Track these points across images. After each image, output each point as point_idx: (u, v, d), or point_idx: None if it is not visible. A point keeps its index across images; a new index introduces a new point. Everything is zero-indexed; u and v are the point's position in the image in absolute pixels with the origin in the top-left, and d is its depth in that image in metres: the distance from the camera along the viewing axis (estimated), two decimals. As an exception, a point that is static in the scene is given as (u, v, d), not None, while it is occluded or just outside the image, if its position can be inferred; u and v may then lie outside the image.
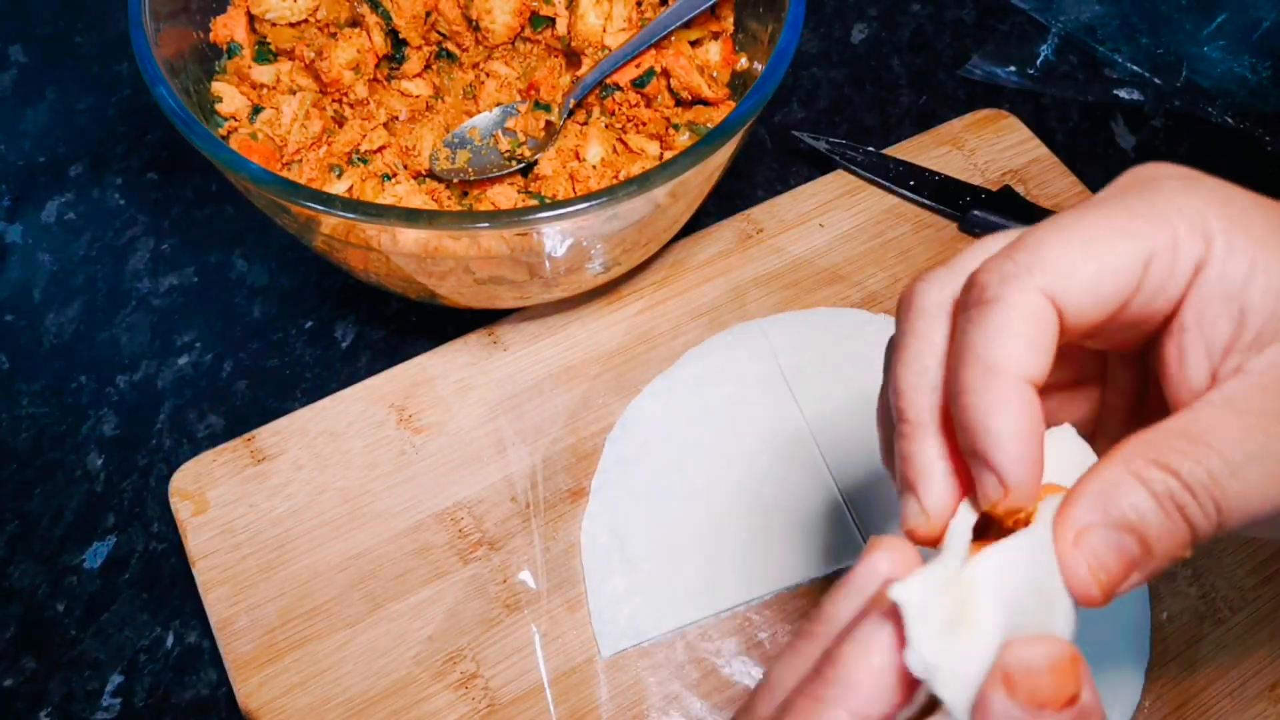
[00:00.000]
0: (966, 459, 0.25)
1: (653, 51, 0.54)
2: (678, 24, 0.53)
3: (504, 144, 0.54)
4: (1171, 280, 0.25)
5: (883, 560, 0.25)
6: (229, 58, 0.54)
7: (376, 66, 0.55)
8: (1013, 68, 0.68)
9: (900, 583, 0.23)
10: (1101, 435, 0.31)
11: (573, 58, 0.56)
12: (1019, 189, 0.60)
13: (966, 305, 0.25)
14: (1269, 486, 0.23)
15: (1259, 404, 0.24)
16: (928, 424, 0.26)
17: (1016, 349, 0.24)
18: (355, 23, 0.55)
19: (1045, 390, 0.25)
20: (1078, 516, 0.23)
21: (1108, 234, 0.25)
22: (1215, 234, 0.25)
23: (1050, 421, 0.26)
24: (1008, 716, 0.21)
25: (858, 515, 0.48)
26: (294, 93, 0.53)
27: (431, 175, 0.53)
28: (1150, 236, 0.25)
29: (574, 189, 0.52)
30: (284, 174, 0.51)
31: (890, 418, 0.28)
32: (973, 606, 0.23)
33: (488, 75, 0.56)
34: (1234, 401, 0.24)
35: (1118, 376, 0.31)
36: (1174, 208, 0.25)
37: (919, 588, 0.23)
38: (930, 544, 0.26)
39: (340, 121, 0.54)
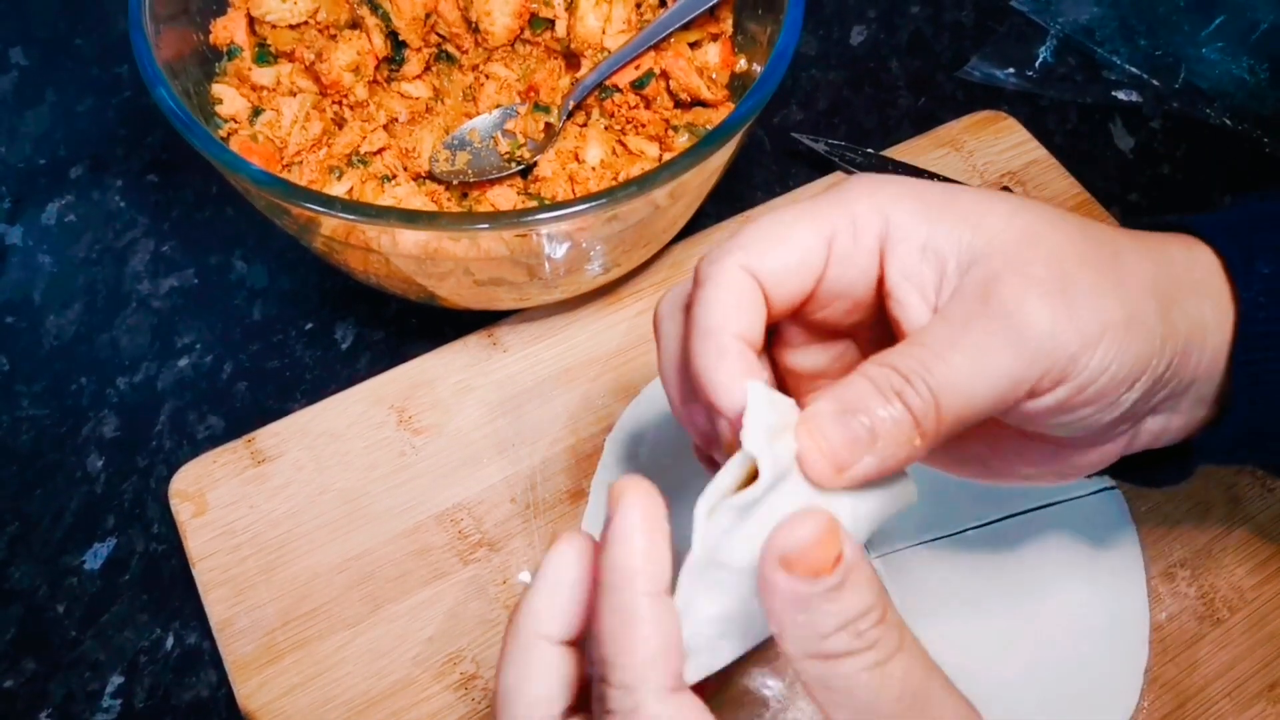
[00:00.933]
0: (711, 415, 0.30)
1: (652, 53, 0.54)
2: (677, 26, 0.53)
3: (503, 146, 0.54)
4: (858, 250, 0.30)
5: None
6: (229, 60, 0.54)
7: (376, 68, 0.55)
8: (1011, 69, 0.68)
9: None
10: None
11: (572, 60, 0.56)
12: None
13: (692, 293, 0.31)
14: (974, 365, 0.27)
15: (962, 310, 0.28)
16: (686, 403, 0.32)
17: (723, 312, 0.29)
18: (355, 25, 0.55)
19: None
20: (814, 410, 0.27)
21: (794, 220, 0.30)
22: (891, 211, 0.30)
23: None
24: (791, 590, 0.25)
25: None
26: (294, 95, 0.54)
27: (431, 177, 0.53)
28: (830, 219, 0.30)
29: (573, 190, 0.52)
30: (284, 176, 0.52)
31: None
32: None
33: (487, 77, 0.56)
34: (944, 313, 0.29)
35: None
36: (854, 197, 0.30)
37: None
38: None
39: (340, 123, 0.54)
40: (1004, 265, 0.28)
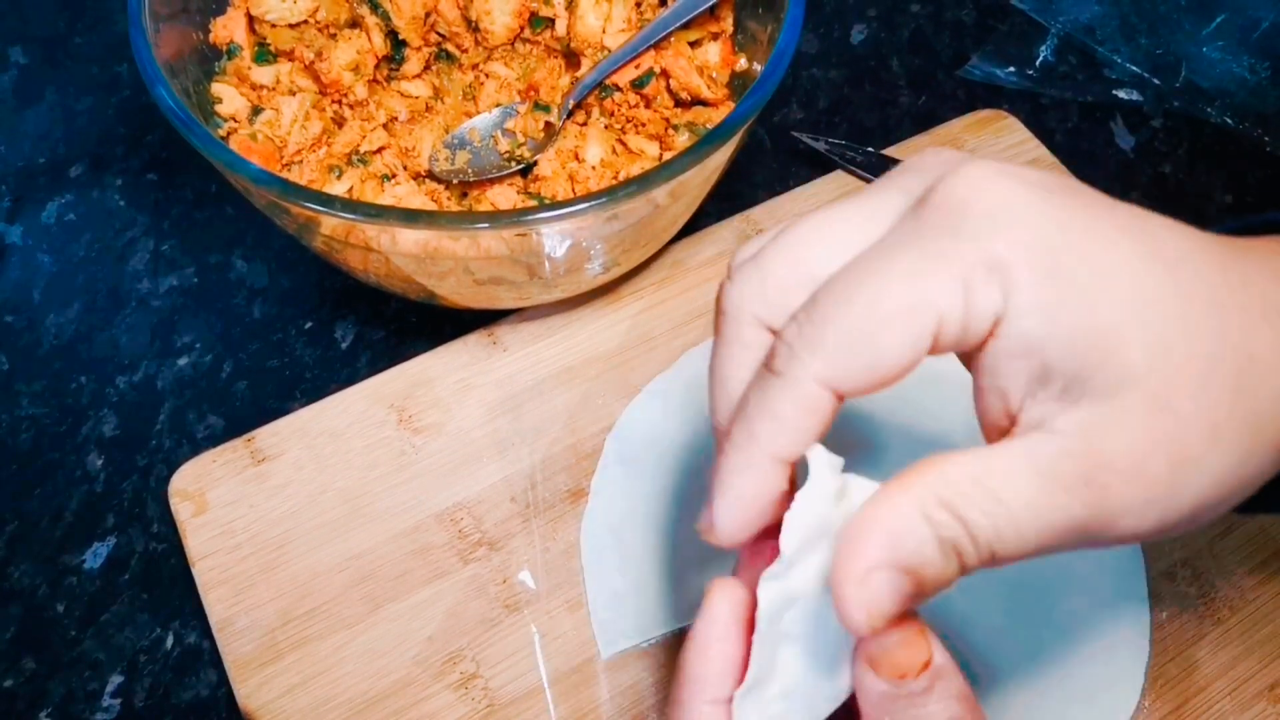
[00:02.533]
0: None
1: (652, 52, 0.54)
2: (677, 25, 0.53)
3: (503, 145, 0.54)
4: (965, 338, 0.24)
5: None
6: (228, 59, 0.54)
7: (376, 67, 0.55)
8: (1012, 68, 0.68)
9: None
10: None
11: (572, 59, 0.56)
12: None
13: (764, 362, 0.26)
14: (1042, 542, 0.24)
15: (1056, 468, 0.23)
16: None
17: (778, 431, 0.25)
18: (355, 24, 0.55)
19: None
20: (867, 553, 0.23)
21: (892, 314, 0.24)
22: (1016, 286, 0.23)
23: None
24: (879, 691, 0.25)
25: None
26: (294, 94, 0.54)
27: (431, 176, 0.53)
28: (936, 310, 0.24)
29: (573, 190, 0.52)
30: (284, 175, 0.51)
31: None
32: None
33: (487, 76, 0.56)
34: (1035, 459, 0.24)
35: None
36: (976, 253, 0.23)
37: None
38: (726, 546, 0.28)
39: (340, 122, 0.54)
40: (1121, 441, 0.23)
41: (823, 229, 0.26)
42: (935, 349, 0.24)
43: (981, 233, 0.23)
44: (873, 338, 0.24)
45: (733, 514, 0.26)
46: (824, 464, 0.26)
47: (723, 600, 0.27)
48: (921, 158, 0.27)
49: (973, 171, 0.24)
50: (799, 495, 0.25)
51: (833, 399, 0.25)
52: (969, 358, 0.26)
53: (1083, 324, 0.23)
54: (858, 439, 0.51)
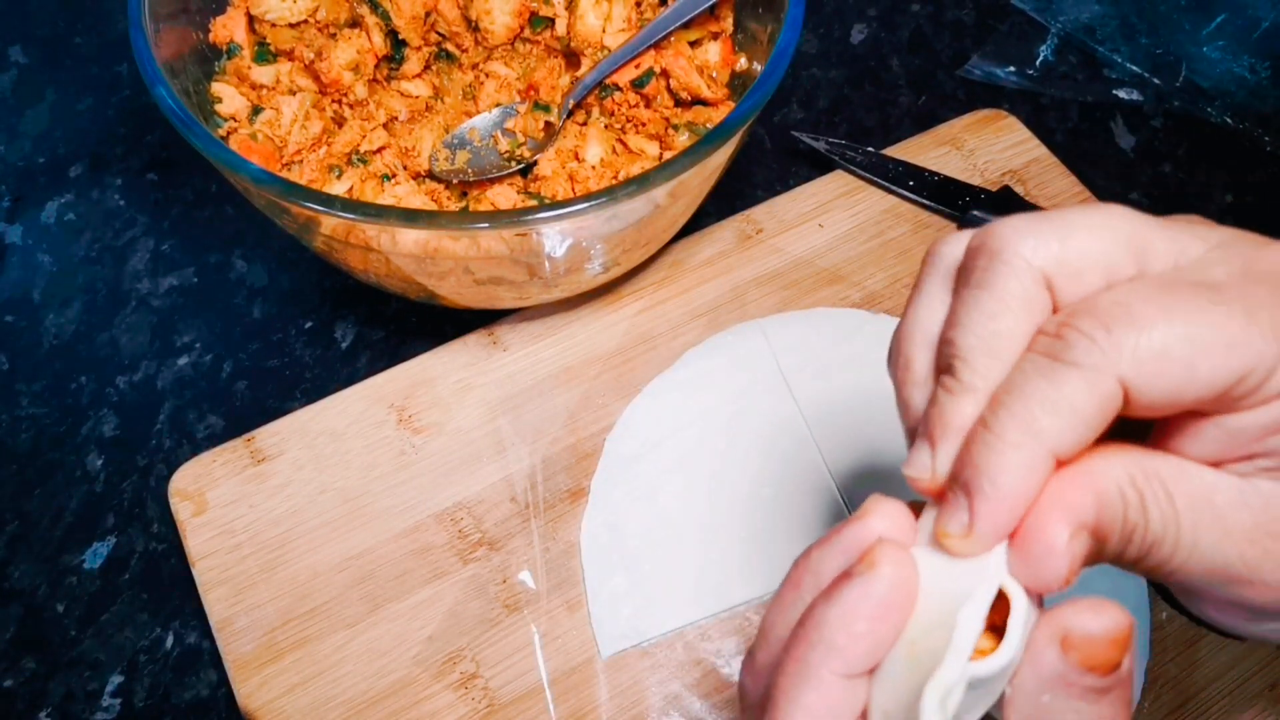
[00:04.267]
0: (952, 477, 0.25)
1: (652, 52, 0.54)
2: (677, 24, 0.53)
3: (503, 144, 0.54)
4: (1250, 397, 0.24)
5: (878, 521, 0.25)
6: (228, 58, 0.54)
7: (376, 67, 0.55)
8: (1012, 68, 0.68)
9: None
10: None
11: (572, 58, 0.56)
12: (1018, 189, 0.60)
13: (1047, 350, 0.24)
14: (1202, 567, 0.24)
15: (1240, 520, 0.24)
16: (978, 388, 0.25)
17: (1067, 425, 0.23)
18: (355, 23, 0.55)
19: None
20: (1080, 506, 0.23)
21: (1216, 341, 0.23)
22: None
23: None
24: (1055, 671, 0.22)
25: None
26: (294, 93, 0.54)
27: (431, 176, 0.53)
28: (1258, 355, 0.23)
29: (573, 189, 0.52)
30: (284, 175, 0.51)
31: (914, 365, 0.27)
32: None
33: (487, 76, 0.56)
34: (1244, 494, 0.24)
35: None
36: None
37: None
38: (932, 494, 0.26)
39: (340, 122, 0.54)
40: None
41: (1129, 224, 0.25)
42: (1224, 397, 0.24)
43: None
44: (1192, 358, 0.23)
45: (1003, 516, 0.24)
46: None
47: (887, 566, 0.24)
48: (1193, 218, 0.27)
49: None
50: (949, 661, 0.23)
51: (1121, 402, 0.24)
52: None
53: None
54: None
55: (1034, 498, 0.24)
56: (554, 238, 0.45)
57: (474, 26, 0.56)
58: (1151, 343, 0.23)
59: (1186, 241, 0.25)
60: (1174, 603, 0.29)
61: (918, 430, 0.26)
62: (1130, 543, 0.24)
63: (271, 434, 0.51)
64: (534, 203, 0.52)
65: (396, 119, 0.55)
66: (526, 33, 0.56)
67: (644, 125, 0.55)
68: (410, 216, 0.41)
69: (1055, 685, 0.23)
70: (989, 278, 0.25)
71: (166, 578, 0.49)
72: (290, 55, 0.54)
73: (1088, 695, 0.23)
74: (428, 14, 0.55)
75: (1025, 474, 0.23)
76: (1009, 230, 0.25)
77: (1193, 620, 0.29)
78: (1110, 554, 0.24)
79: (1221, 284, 0.24)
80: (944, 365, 0.26)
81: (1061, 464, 0.24)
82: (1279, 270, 0.24)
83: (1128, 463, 0.24)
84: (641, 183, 0.42)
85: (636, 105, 0.55)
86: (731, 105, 0.55)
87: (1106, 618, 0.23)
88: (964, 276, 0.26)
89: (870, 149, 0.61)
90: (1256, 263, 0.25)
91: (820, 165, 0.62)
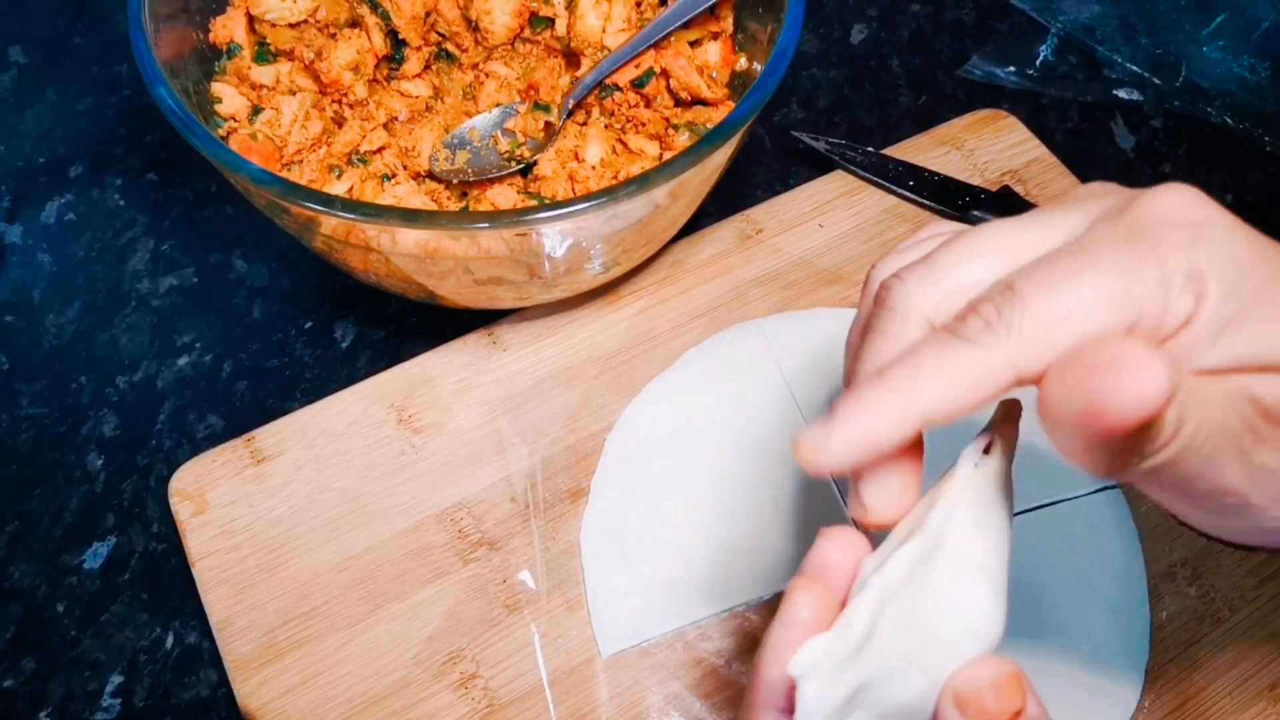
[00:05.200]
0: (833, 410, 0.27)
1: (652, 52, 0.54)
2: (677, 24, 0.53)
3: (503, 145, 0.54)
4: (1151, 339, 0.25)
5: (831, 549, 0.28)
6: (228, 58, 0.54)
7: (376, 67, 0.55)
8: (1012, 68, 0.68)
9: (798, 655, 0.25)
10: None
11: (572, 58, 0.56)
12: (1018, 189, 0.60)
13: (948, 328, 0.26)
14: (1207, 448, 0.25)
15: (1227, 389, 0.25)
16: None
17: (947, 390, 0.25)
18: (355, 23, 0.55)
19: None
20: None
21: (1095, 304, 0.25)
22: (1206, 297, 0.25)
23: None
24: None
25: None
26: (294, 93, 0.53)
27: (431, 176, 0.53)
28: (1139, 304, 0.25)
29: (573, 189, 0.52)
30: (284, 175, 0.51)
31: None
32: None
33: (487, 76, 0.56)
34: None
35: None
36: (1178, 262, 0.25)
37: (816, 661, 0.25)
38: (880, 528, 0.28)
39: (340, 122, 0.54)
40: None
41: (1000, 239, 0.27)
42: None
43: (1182, 244, 0.25)
44: (1074, 324, 0.24)
45: (850, 442, 0.25)
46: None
47: (796, 608, 0.27)
48: (1090, 187, 0.29)
49: (1173, 192, 0.27)
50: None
51: (1010, 384, 0.25)
52: None
53: (1256, 345, 0.25)
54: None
55: (886, 450, 0.26)
56: (554, 238, 0.45)
57: (474, 26, 0.56)
58: (1035, 319, 0.25)
59: (1072, 222, 0.27)
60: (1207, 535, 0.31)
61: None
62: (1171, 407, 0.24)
63: (271, 434, 0.51)
64: (534, 203, 0.52)
65: (396, 119, 0.55)
66: (526, 33, 0.56)
67: (644, 125, 0.55)
68: (410, 216, 0.41)
69: None
70: (880, 324, 0.28)
71: (166, 578, 0.49)
72: (290, 55, 0.54)
73: None
74: (428, 14, 0.55)
75: (889, 420, 0.25)
76: (894, 283, 0.28)
77: (1212, 540, 0.30)
78: (1166, 429, 0.24)
79: (1098, 247, 0.26)
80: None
81: (927, 428, 0.26)
82: (1156, 218, 0.26)
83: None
84: (641, 183, 0.42)
85: (636, 105, 0.55)
86: (731, 105, 0.55)
87: (990, 668, 0.24)
88: (867, 323, 0.29)
89: (870, 149, 0.61)
90: (1135, 217, 0.26)
91: (820, 165, 0.62)
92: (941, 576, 0.26)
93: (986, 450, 0.29)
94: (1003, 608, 0.26)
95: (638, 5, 0.56)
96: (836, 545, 0.28)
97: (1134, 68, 0.68)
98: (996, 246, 0.27)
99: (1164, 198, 0.26)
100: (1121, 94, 0.67)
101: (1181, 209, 0.26)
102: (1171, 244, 0.25)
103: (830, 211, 0.59)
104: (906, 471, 0.28)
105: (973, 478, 0.28)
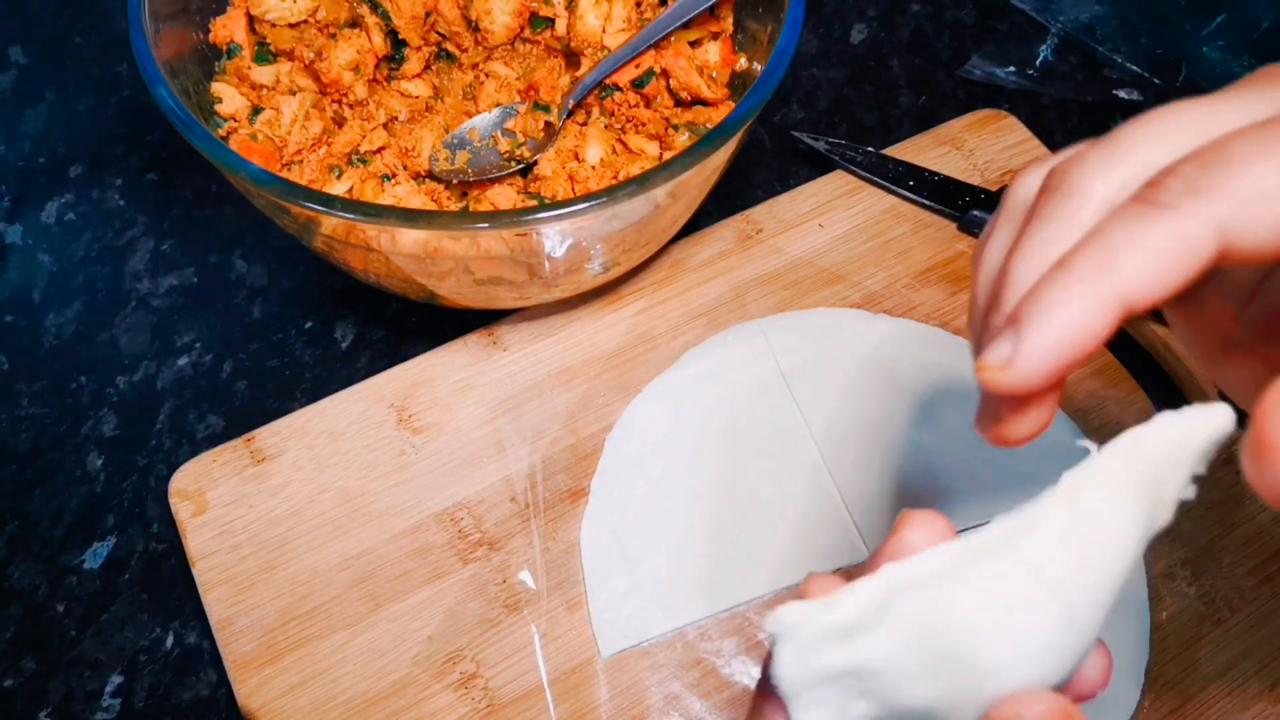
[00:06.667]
0: (994, 315, 0.24)
1: (652, 52, 0.54)
2: (677, 24, 0.53)
3: (503, 145, 0.54)
4: None
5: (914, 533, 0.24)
6: (228, 58, 0.54)
7: (376, 67, 0.55)
8: (1012, 68, 0.68)
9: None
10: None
11: (572, 58, 0.56)
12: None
13: (1141, 196, 0.23)
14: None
15: None
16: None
17: (1146, 266, 0.22)
18: (355, 23, 0.55)
19: None
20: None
21: None
22: None
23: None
24: None
25: (856, 515, 0.48)
26: (294, 93, 0.53)
27: (431, 176, 0.53)
28: None
29: (573, 189, 0.52)
30: (284, 175, 0.51)
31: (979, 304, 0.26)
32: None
33: (487, 76, 0.56)
34: None
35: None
36: None
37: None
38: (1001, 389, 0.23)
39: (340, 122, 0.54)
40: None
41: (1192, 114, 0.24)
42: None
43: None
44: None
45: (1050, 348, 0.22)
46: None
47: None
48: (1270, 68, 0.25)
49: None
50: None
51: (1214, 254, 0.22)
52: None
53: None
54: (924, 490, 0.51)
55: (1090, 347, 0.22)
56: (554, 238, 0.45)
57: (474, 26, 0.56)
58: (1252, 181, 0.21)
59: (1261, 102, 0.24)
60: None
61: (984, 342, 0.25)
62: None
63: (271, 434, 0.51)
64: (534, 203, 0.52)
65: (396, 119, 0.55)
66: (526, 33, 0.56)
67: (644, 125, 0.55)
68: (410, 216, 0.41)
69: None
70: (1051, 210, 0.24)
71: (166, 578, 0.49)
72: (290, 55, 0.54)
73: None
74: (428, 14, 0.55)
75: (1089, 312, 0.22)
76: (1072, 167, 0.24)
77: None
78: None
79: None
80: (993, 299, 0.25)
81: (1130, 316, 0.22)
82: None
83: None
84: (641, 183, 0.42)
85: (636, 105, 0.55)
86: (731, 105, 0.55)
87: (1038, 705, 0.21)
88: (1030, 214, 0.25)
89: (870, 149, 0.61)
90: None
91: (820, 165, 0.62)
92: (997, 584, 0.22)
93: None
94: (1074, 651, 0.23)
95: (638, 5, 0.56)
96: (919, 530, 0.24)
97: (1134, 68, 0.68)
98: (1189, 123, 0.24)
99: None
100: (1121, 94, 0.67)
101: None
102: None
103: (830, 211, 0.59)
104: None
105: (1082, 500, 0.23)
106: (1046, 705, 0.21)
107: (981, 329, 0.26)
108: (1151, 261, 0.22)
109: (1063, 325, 0.22)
